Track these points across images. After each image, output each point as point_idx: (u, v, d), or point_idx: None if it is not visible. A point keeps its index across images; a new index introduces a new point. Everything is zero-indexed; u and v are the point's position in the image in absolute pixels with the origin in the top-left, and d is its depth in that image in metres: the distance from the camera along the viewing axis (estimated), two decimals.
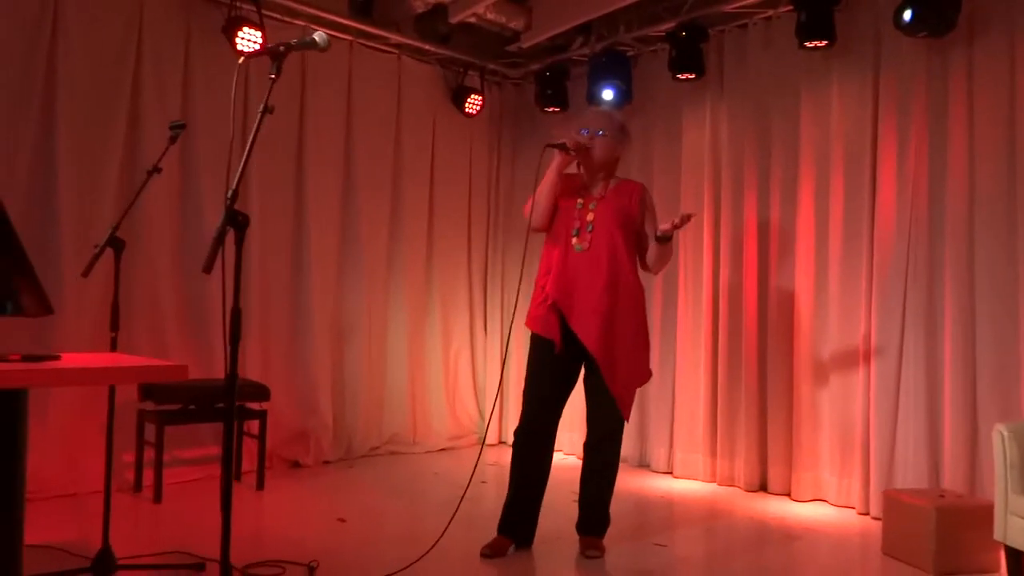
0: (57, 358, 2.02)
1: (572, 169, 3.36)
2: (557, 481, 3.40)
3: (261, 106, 2.01)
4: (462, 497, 3.32)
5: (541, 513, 3.35)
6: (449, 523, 3.18)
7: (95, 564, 2.65)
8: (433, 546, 3.08)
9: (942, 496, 3.28)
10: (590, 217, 3.24)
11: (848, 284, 4.22)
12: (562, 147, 3.23)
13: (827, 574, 3.22)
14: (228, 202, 1.95)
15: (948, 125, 3.89)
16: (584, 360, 3.27)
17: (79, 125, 4.07)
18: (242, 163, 1.99)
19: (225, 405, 1.96)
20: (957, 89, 3.87)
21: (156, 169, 2.80)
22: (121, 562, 2.72)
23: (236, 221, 1.96)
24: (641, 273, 3.35)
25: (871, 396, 4.06)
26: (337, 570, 2.98)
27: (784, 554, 3.47)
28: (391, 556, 3.15)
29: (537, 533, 3.35)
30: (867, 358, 4.10)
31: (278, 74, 2.06)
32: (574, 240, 3.24)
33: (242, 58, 2.09)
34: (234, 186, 1.96)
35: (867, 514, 4.02)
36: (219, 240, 1.92)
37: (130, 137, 4.25)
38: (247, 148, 2.01)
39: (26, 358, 1.95)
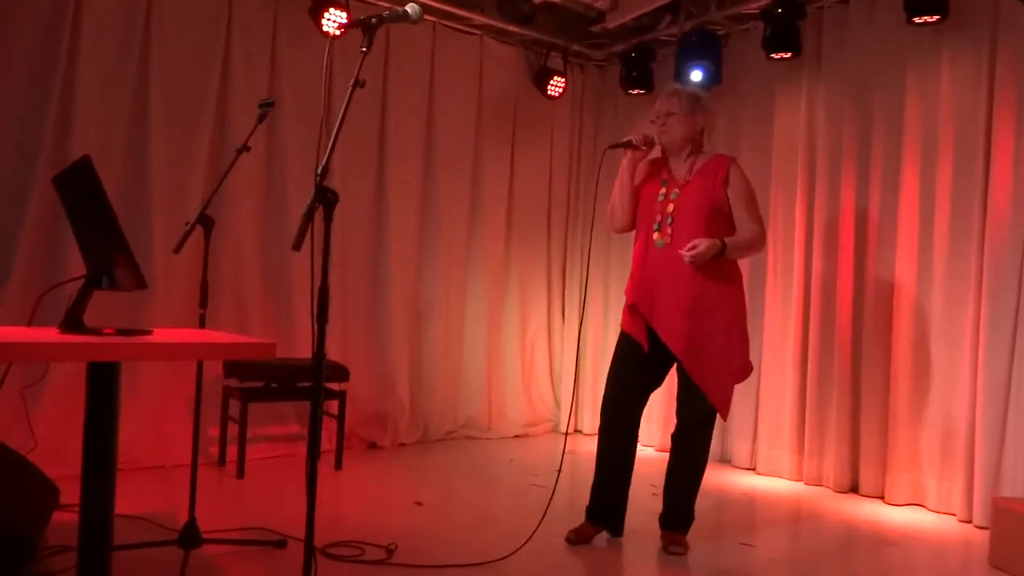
0: (149, 333, 2.02)
1: (656, 153, 3.22)
2: (637, 474, 3.29)
3: (352, 80, 1.96)
4: (552, 493, 3.25)
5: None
6: (541, 520, 3.11)
7: (181, 538, 2.69)
8: (526, 542, 3.01)
9: None
10: (670, 209, 3.07)
11: (955, 274, 3.96)
12: (627, 144, 3.11)
13: None
14: (318, 178, 1.90)
15: None
16: (671, 361, 3.14)
17: (171, 105, 4.16)
18: (332, 139, 1.94)
19: (312, 385, 1.93)
20: None
21: (245, 147, 2.80)
22: (205, 536, 2.74)
23: (325, 198, 1.92)
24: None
25: (978, 394, 3.80)
26: (415, 553, 2.95)
27: (879, 561, 3.27)
28: (468, 543, 3.12)
29: (625, 524, 3.26)
30: (974, 354, 3.84)
31: (369, 47, 2.00)
32: (655, 235, 3.09)
33: (340, 30, 2.05)
34: (324, 162, 1.92)
35: (969, 522, 3.77)
36: (309, 217, 1.88)
37: (219, 116, 4.33)
38: (337, 124, 1.96)
39: (120, 332, 1.96)
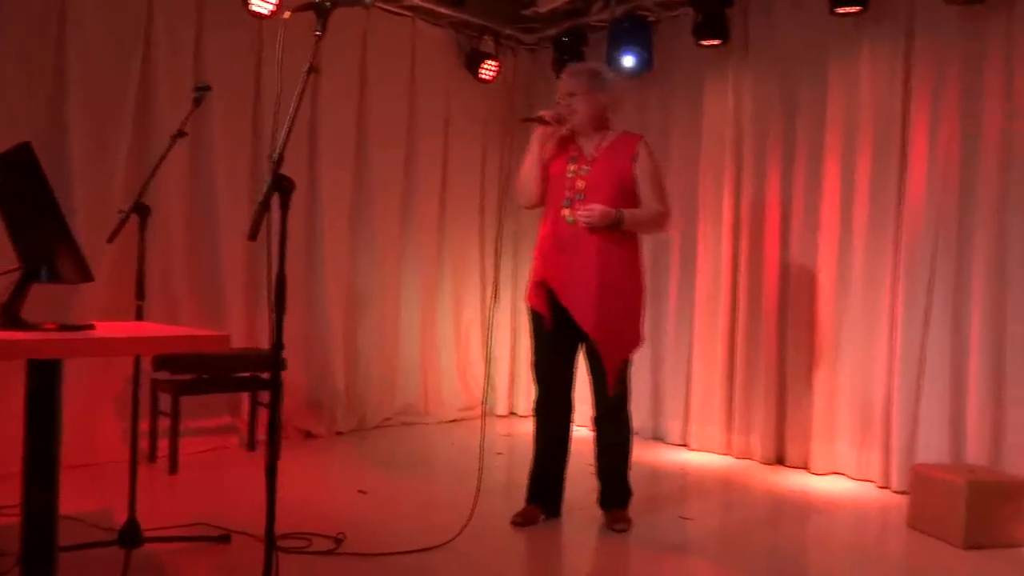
0: (92, 327, 1.94)
1: (564, 131, 3.21)
2: (575, 451, 3.36)
3: (306, 66, 1.93)
4: (480, 476, 3.28)
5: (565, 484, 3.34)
6: (475, 506, 3.14)
7: (122, 537, 2.60)
8: (465, 526, 3.04)
9: (972, 471, 3.26)
10: (580, 185, 3.10)
11: (874, 255, 4.17)
12: (539, 120, 3.13)
13: (856, 547, 3.20)
14: (274, 166, 1.86)
15: (983, 95, 3.81)
16: (580, 335, 3.17)
17: (90, 90, 3.95)
18: (287, 127, 1.90)
19: (271, 376, 1.90)
20: (994, 58, 3.79)
21: (181, 133, 2.71)
22: (146, 534, 2.66)
23: (282, 186, 1.88)
24: (656, 240, 3.27)
25: (894, 369, 4.03)
26: (363, 542, 2.94)
27: (809, 528, 3.45)
28: (415, 528, 3.12)
29: (563, 503, 3.34)
30: (892, 330, 4.06)
31: (323, 31, 1.97)
32: (565, 211, 3.10)
33: (287, 13, 1.99)
34: (279, 150, 1.88)
35: (887, 488, 4.01)
36: (264, 205, 1.85)
37: (141, 101, 4.14)
38: (291, 112, 1.92)
39: (63, 327, 1.87)
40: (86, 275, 1.80)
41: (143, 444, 4.10)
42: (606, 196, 3.05)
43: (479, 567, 2.81)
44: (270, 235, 1.88)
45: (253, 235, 1.81)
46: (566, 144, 3.21)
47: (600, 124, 3.20)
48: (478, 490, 3.19)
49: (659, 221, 3.17)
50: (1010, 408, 3.68)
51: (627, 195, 3.12)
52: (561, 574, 2.94)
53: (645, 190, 3.12)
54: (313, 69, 1.93)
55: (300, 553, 2.79)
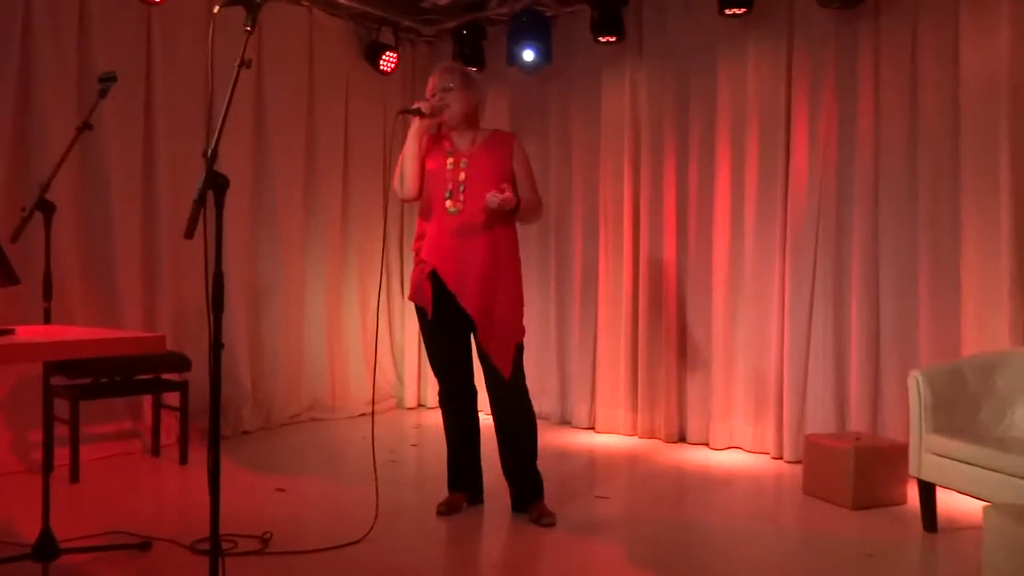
0: (13, 332, 1.86)
1: (435, 126, 3.28)
2: (485, 438, 3.42)
3: (237, 60, 1.91)
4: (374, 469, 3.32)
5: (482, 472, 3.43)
6: (376, 492, 3.18)
7: (36, 549, 2.48)
8: (377, 517, 3.07)
9: (858, 439, 3.56)
10: (462, 177, 3.16)
11: (763, 243, 4.45)
12: (416, 112, 3.17)
13: (760, 515, 3.45)
14: (208, 163, 1.84)
15: (856, 93, 4.15)
16: (469, 323, 3.20)
17: None
18: (220, 123, 1.88)
19: (211, 378, 1.86)
20: (864, 59, 4.12)
21: (87, 125, 2.61)
22: (61, 545, 2.55)
23: (216, 183, 1.86)
24: (550, 230, 3.32)
25: (784, 349, 4.33)
26: (289, 540, 2.92)
27: (717, 499, 3.67)
28: (340, 523, 3.13)
29: (484, 489, 3.43)
30: (780, 313, 4.36)
31: (253, 26, 1.96)
32: (447, 203, 3.15)
33: (217, 8, 1.96)
34: (213, 146, 1.86)
35: (780, 458, 4.31)
36: (200, 203, 1.82)
37: (21, 95, 3.90)
38: (225, 107, 1.91)
39: None
40: (12, 278, 1.72)
41: (36, 454, 3.88)
42: (487, 187, 3.11)
43: (410, 556, 2.85)
44: (206, 233, 1.85)
45: (189, 233, 1.79)
46: (438, 140, 3.28)
47: (472, 121, 3.29)
48: (376, 481, 3.22)
49: (539, 210, 3.33)
50: (885, 379, 4.04)
51: (507, 184, 3.19)
52: (491, 559, 3.02)
53: (524, 182, 3.24)
54: (245, 63, 1.91)
55: (227, 555, 2.74)
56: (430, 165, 3.22)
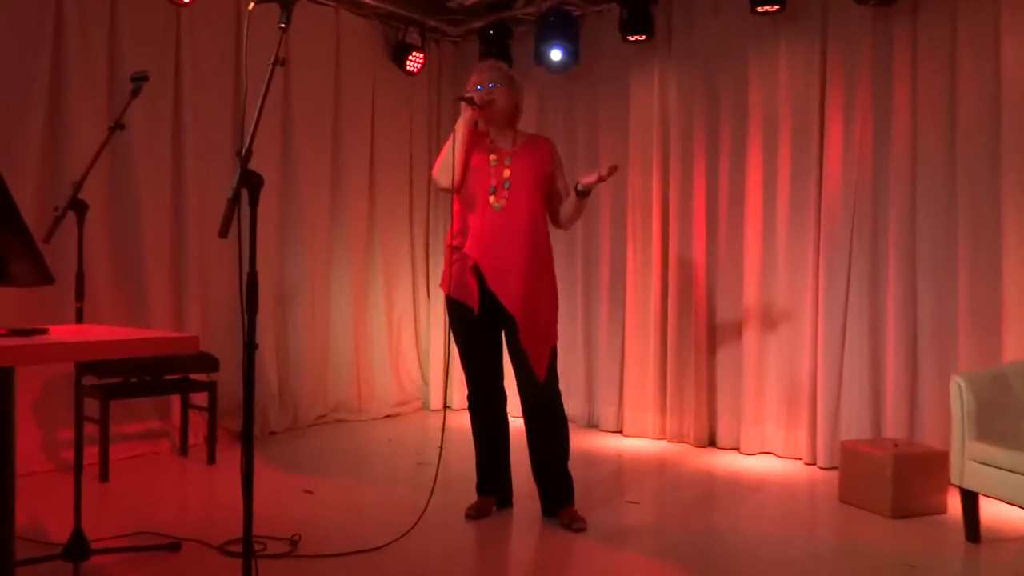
0: (46, 332, 1.85)
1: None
2: (514, 442, 3.38)
3: (271, 58, 1.88)
4: (437, 469, 3.29)
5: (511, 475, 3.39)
6: (430, 498, 3.15)
7: (67, 550, 2.47)
8: (417, 521, 3.04)
9: (896, 445, 3.48)
10: (506, 174, 3.14)
11: (796, 244, 4.38)
12: (470, 101, 3.14)
13: (794, 522, 3.37)
14: (242, 162, 1.82)
15: (892, 93, 4.06)
16: (503, 323, 3.18)
17: None
18: (255, 121, 1.86)
19: (245, 379, 1.83)
20: (901, 57, 4.04)
21: (119, 125, 2.59)
22: (92, 546, 2.54)
23: (250, 181, 1.84)
24: (579, 231, 3.30)
25: (818, 352, 4.24)
26: (319, 543, 2.90)
27: (751, 506, 3.59)
28: (368, 526, 3.10)
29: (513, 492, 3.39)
30: (814, 315, 4.27)
31: (288, 23, 1.92)
32: (491, 199, 3.13)
33: (252, 4, 1.94)
34: (247, 144, 1.83)
35: (814, 464, 4.22)
36: (234, 201, 1.80)
37: (54, 90, 3.92)
38: (259, 106, 1.88)
39: (14, 332, 1.77)
40: (45, 277, 1.71)
41: (67, 453, 3.90)
42: (530, 186, 3.13)
43: (440, 560, 2.82)
44: (240, 232, 1.82)
45: (224, 232, 1.77)
46: (479, 136, 3.24)
47: (512, 120, 3.26)
48: (435, 484, 3.18)
49: (584, 210, 3.32)
50: (923, 384, 3.94)
51: (544, 188, 3.22)
52: (521, 565, 2.98)
53: (563, 188, 3.26)
54: (279, 61, 1.88)
55: (260, 557, 2.71)
56: (472, 160, 3.18)
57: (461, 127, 3.15)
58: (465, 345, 3.25)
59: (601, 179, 3.05)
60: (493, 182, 3.14)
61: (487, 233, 3.12)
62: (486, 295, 3.13)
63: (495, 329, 3.21)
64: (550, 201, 3.25)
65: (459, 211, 3.22)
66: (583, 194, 3.15)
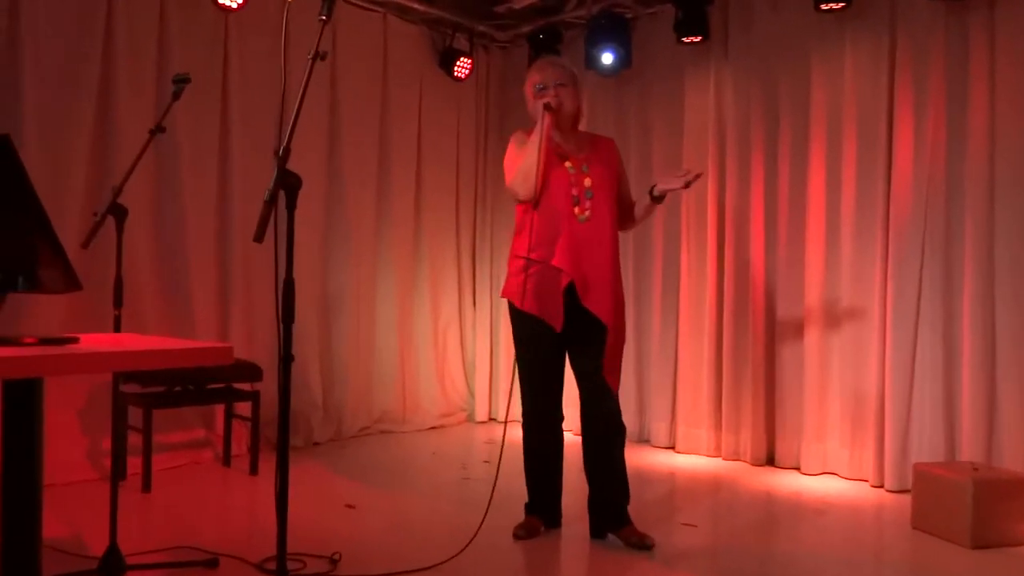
0: (76, 340, 1.76)
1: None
2: (569, 457, 3.24)
3: (311, 52, 1.78)
4: (492, 491, 3.15)
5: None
6: (484, 518, 3.00)
7: (103, 565, 2.40)
8: (470, 542, 2.89)
9: (975, 469, 3.23)
10: (587, 183, 2.99)
11: (862, 251, 4.14)
12: (549, 108, 2.96)
13: (863, 549, 3.15)
14: (279, 161, 1.71)
15: (968, 90, 3.82)
16: (575, 338, 3.02)
17: (47, 85, 3.71)
18: (293, 120, 1.75)
19: (281, 389, 1.73)
20: (978, 52, 3.79)
21: (160, 128, 2.53)
22: (127, 560, 2.47)
23: (287, 182, 1.73)
24: (629, 236, 3.20)
25: (886, 366, 4.00)
26: (359, 562, 2.78)
27: (816, 531, 3.36)
28: (412, 545, 2.98)
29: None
30: (882, 327, 4.03)
31: (329, 16, 1.83)
32: (576, 210, 2.97)
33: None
34: (285, 143, 1.73)
35: (881, 487, 3.97)
36: (270, 204, 1.69)
37: (103, 95, 3.91)
38: (298, 101, 1.78)
39: (44, 341, 1.69)
40: (74, 283, 1.62)
41: (107, 462, 3.86)
42: (609, 194, 3.02)
43: None
44: (276, 236, 1.72)
45: (259, 236, 1.67)
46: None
47: (576, 123, 3.12)
48: (489, 504, 3.03)
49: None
50: (1002, 403, 3.67)
51: (616, 193, 3.10)
52: None
53: (629, 189, 3.16)
54: (320, 55, 1.78)
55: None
56: (545, 167, 3.00)
57: (539, 135, 2.95)
58: (536, 361, 3.06)
59: (688, 185, 2.90)
60: (575, 191, 2.99)
61: (577, 246, 2.96)
62: (567, 310, 2.98)
63: (567, 345, 3.08)
64: (619, 204, 3.11)
65: (537, 222, 3.00)
66: (658, 199, 3.00)
